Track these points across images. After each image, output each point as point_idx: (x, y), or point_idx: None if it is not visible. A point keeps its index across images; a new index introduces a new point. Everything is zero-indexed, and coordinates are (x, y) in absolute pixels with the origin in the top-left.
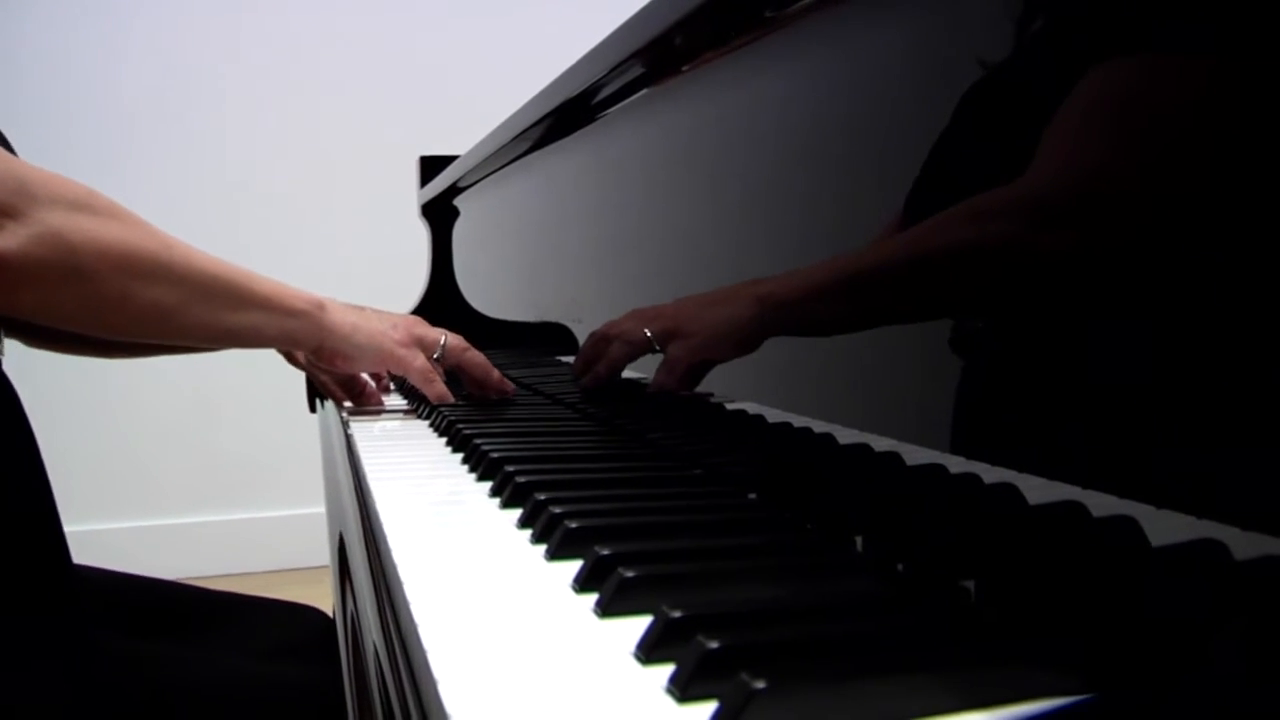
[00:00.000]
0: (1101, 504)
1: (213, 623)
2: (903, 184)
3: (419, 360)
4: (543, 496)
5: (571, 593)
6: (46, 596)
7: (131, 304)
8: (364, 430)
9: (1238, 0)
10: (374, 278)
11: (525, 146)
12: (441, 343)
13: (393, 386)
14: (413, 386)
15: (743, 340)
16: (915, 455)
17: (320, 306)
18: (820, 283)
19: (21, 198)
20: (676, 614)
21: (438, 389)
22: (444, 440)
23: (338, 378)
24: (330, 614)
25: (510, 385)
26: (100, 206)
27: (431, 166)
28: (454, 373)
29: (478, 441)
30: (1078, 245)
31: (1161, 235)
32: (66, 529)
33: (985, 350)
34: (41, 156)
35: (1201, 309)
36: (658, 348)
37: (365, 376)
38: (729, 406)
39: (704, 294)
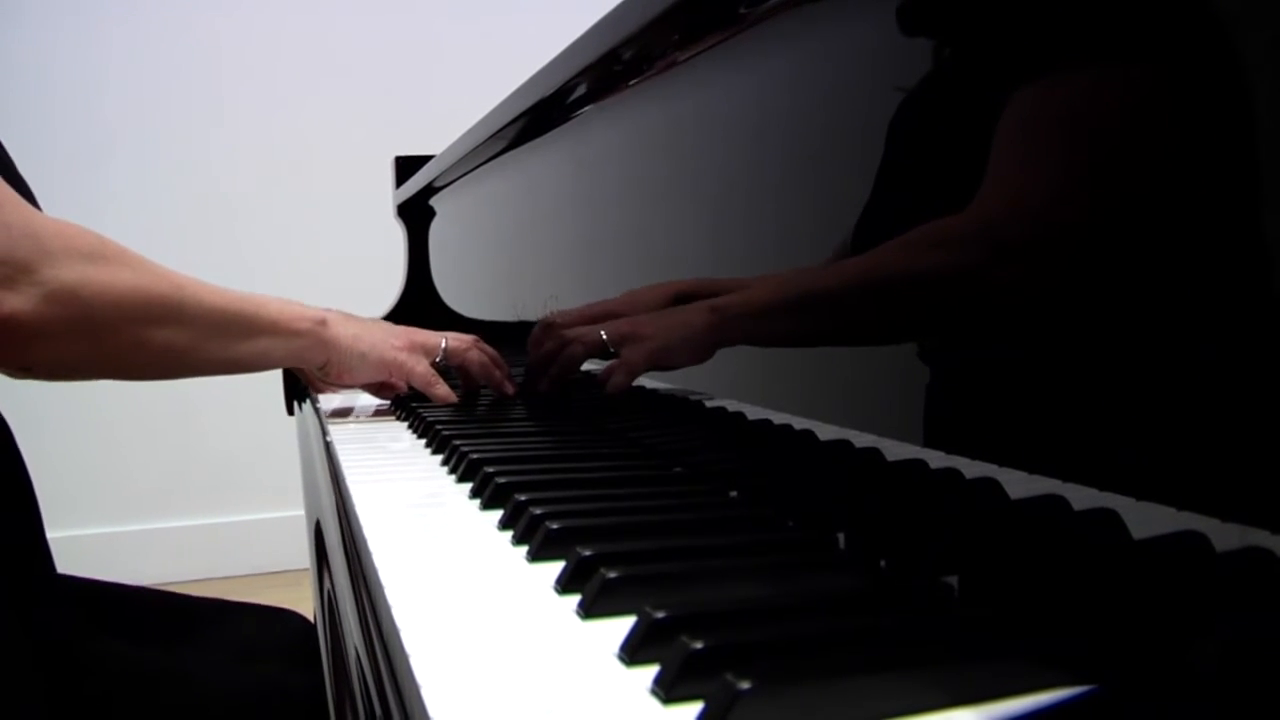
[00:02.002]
0: (1082, 497)
1: (192, 628)
2: (875, 181)
3: (421, 365)
4: (523, 497)
5: (554, 594)
6: (29, 606)
7: (145, 349)
8: (343, 433)
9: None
10: (350, 279)
11: (501, 146)
12: (442, 346)
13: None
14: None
15: (695, 348)
16: (896, 451)
17: (322, 323)
18: (774, 300)
19: (35, 254)
20: (660, 614)
21: (441, 391)
22: (424, 442)
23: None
24: (311, 618)
25: (510, 389)
26: (111, 254)
27: (406, 167)
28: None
29: (457, 443)
30: (1052, 246)
31: (1135, 235)
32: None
33: (964, 345)
34: (20, 160)
35: (1180, 302)
36: (612, 350)
37: None
38: (708, 404)
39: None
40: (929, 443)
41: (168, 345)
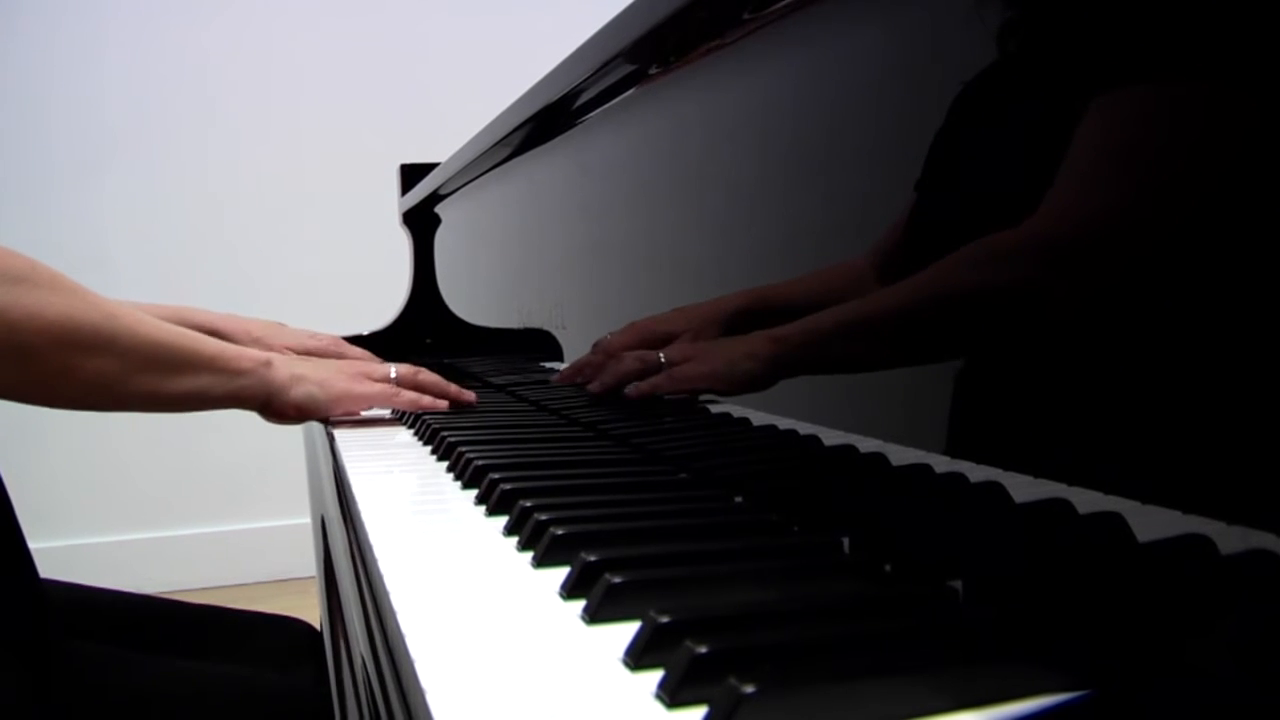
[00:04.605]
0: (1087, 501)
1: (197, 637)
2: (886, 187)
3: (375, 388)
4: (529, 503)
5: (559, 599)
6: (10, 611)
7: (74, 376)
8: (348, 440)
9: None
10: (356, 287)
11: (506, 152)
12: (391, 375)
13: None
14: None
15: (756, 379)
16: (901, 456)
17: (266, 364)
18: (832, 327)
19: None
20: (665, 619)
21: (407, 398)
22: (429, 448)
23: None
24: (318, 625)
25: (470, 395)
26: (41, 279)
27: (412, 174)
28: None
29: (462, 449)
30: (1066, 254)
31: (1142, 241)
32: (51, 544)
33: (970, 351)
34: (21, 167)
35: (1185, 307)
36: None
37: None
38: (714, 409)
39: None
40: (934, 448)
41: (98, 373)
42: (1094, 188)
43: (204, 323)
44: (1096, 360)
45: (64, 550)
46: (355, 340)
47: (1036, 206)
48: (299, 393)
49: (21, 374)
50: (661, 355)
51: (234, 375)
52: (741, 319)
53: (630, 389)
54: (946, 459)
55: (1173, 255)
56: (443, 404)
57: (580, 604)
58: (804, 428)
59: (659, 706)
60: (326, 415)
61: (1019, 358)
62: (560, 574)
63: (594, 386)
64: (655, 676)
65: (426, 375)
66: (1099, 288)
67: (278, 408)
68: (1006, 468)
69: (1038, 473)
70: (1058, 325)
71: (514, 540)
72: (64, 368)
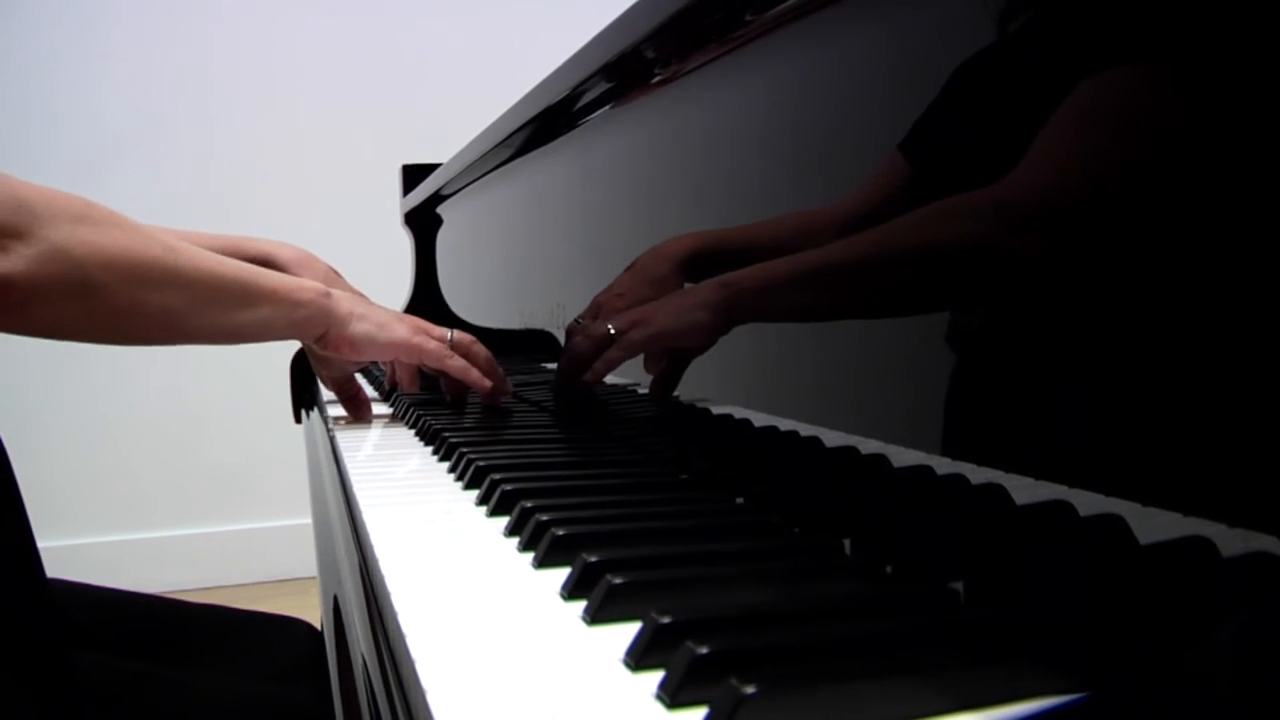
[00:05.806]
0: (1089, 503)
1: (198, 638)
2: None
3: (430, 343)
4: (530, 504)
5: (560, 600)
6: (19, 614)
7: (141, 312)
8: (349, 439)
9: (1229, 8)
10: (358, 286)
11: (508, 153)
12: (449, 337)
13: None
14: (400, 393)
15: (708, 327)
16: (902, 457)
17: (326, 295)
18: (785, 274)
19: (23, 216)
20: (665, 620)
21: (457, 363)
22: (430, 448)
23: (335, 378)
24: (319, 626)
25: (509, 386)
26: (100, 216)
27: (414, 175)
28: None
29: (464, 449)
30: (1063, 247)
31: (1148, 237)
32: (52, 543)
33: (971, 351)
34: (22, 168)
35: (1187, 308)
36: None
37: (360, 381)
38: (715, 411)
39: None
40: (935, 449)
41: (164, 308)
42: (1075, 172)
43: (259, 251)
44: (1097, 362)
45: (64, 549)
46: None
47: (1014, 179)
48: (357, 329)
49: (90, 312)
50: (610, 327)
51: (295, 306)
52: (694, 264)
53: (589, 374)
54: (947, 460)
55: (1174, 256)
56: (487, 383)
57: (581, 605)
58: (805, 429)
59: (659, 707)
60: (377, 358)
61: (1018, 359)
62: (561, 575)
63: (558, 383)
64: (656, 677)
65: (481, 349)
66: (1096, 286)
67: (333, 341)
68: (1008, 469)
69: (1039, 474)
70: (1057, 325)
71: (515, 541)
72: (131, 303)
